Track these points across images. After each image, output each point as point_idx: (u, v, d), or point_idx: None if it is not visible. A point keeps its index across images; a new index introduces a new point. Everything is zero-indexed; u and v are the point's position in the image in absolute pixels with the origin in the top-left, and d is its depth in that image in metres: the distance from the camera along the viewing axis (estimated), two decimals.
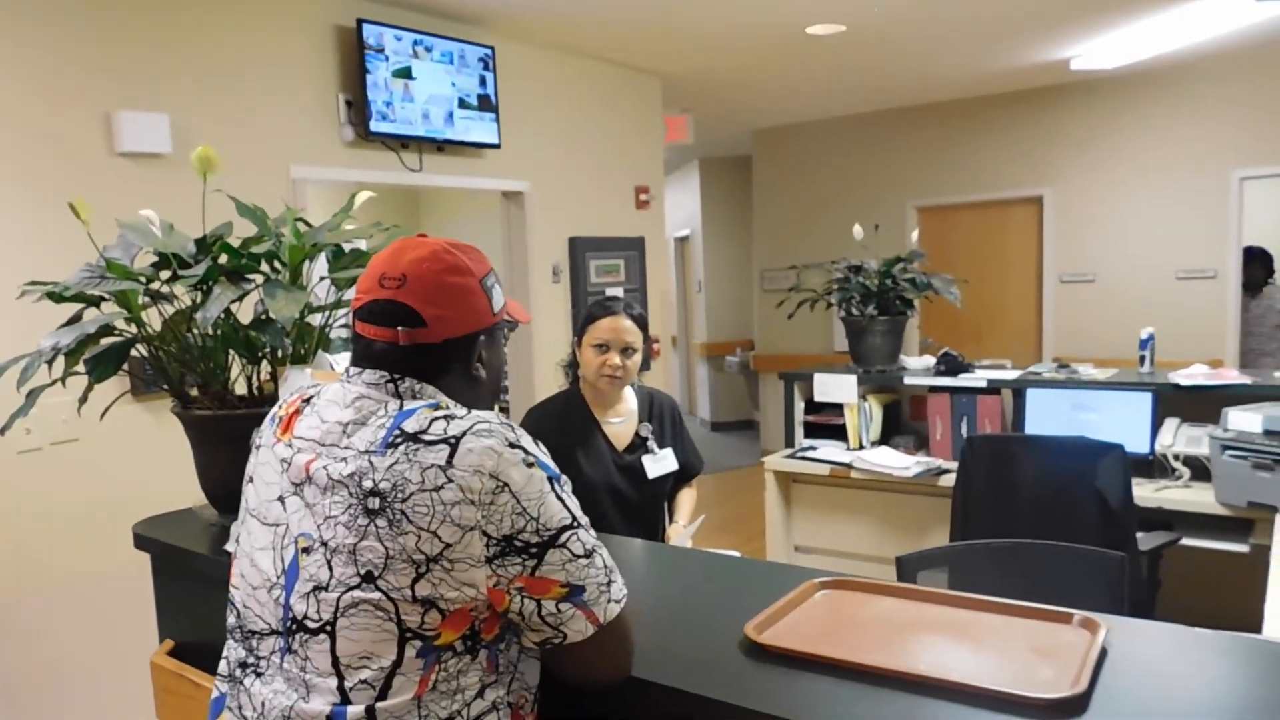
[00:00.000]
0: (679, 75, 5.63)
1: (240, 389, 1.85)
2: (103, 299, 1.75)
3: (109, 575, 2.89)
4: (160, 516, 1.97)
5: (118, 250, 1.80)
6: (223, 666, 1.20)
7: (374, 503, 1.02)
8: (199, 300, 1.71)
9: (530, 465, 1.05)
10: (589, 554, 1.07)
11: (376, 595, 1.00)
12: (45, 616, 2.86)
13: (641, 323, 2.49)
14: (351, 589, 1.01)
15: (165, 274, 1.77)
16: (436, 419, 1.06)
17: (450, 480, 1.00)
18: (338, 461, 1.06)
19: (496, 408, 1.21)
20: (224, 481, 1.83)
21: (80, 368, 1.67)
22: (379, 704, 1.01)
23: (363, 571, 1.01)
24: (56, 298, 1.67)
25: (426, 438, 1.03)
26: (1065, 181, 6.46)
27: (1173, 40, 5.19)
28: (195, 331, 1.78)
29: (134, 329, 1.75)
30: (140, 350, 1.80)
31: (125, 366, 1.77)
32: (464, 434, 1.04)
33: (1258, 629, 2.43)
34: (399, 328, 1.13)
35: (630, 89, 5.42)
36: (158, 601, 1.94)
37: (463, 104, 4.08)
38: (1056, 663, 1.09)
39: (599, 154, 5.18)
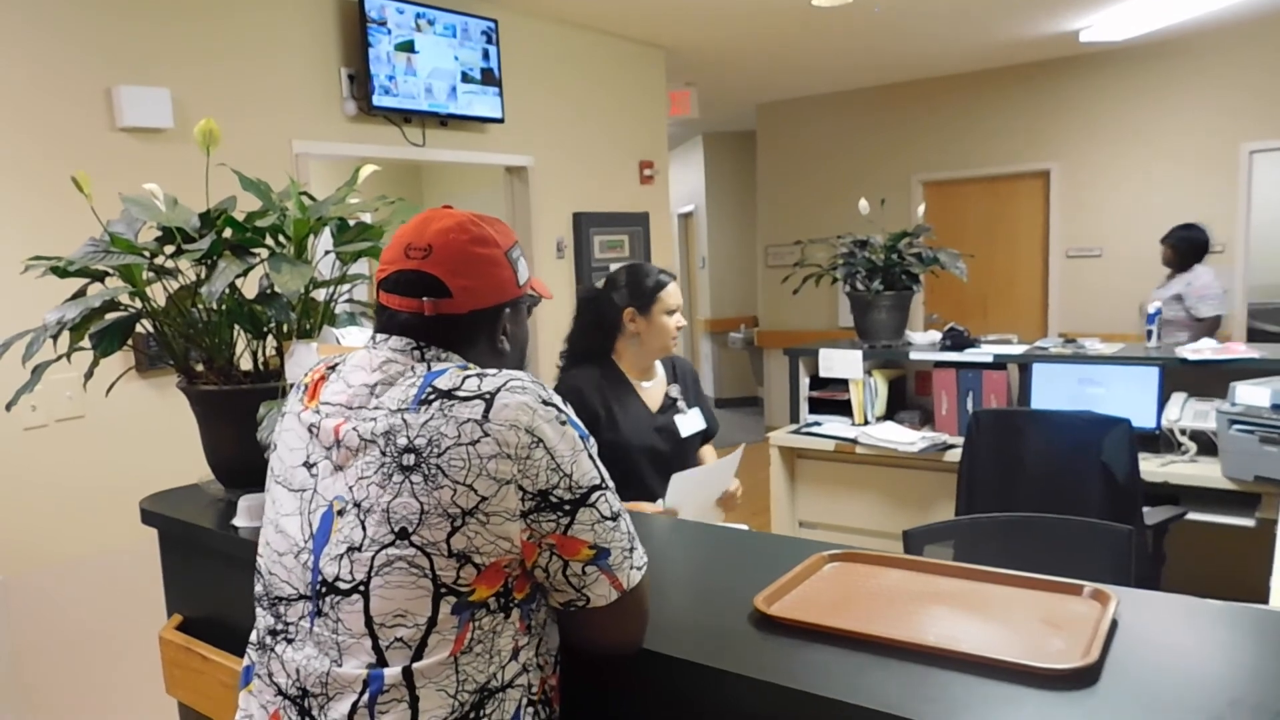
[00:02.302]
0: (683, 48, 5.57)
1: (246, 364, 1.85)
2: (107, 274, 1.75)
3: (116, 551, 2.90)
4: (167, 492, 1.97)
5: (121, 225, 1.79)
6: (253, 635, 1.20)
7: (409, 459, 1.02)
8: (203, 275, 1.71)
9: (563, 423, 1.06)
10: (615, 517, 1.07)
11: (411, 551, 1.00)
12: (53, 593, 2.88)
13: None
14: (385, 547, 1.01)
15: (169, 249, 1.77)
16: (469, 376, 1.07)
17: (487, 434, 1.01)
18: (368, 422, 1.07)
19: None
20: (230, 456, 1.84)
21: (85, 343, 1.67)
22: (415, 664, 1.01)
23: (396, 528, 1.01)
24: (61, 272, 1.66)
25: (461, 393, 1.04)
26: (1072, 156, 6.41)
27: (1182, 11, 5.12)
28: (200, 306, 1.78)
29: (138, 304, 1.74)
30: (145, 325, 1.79)
31: (130, 343, 1.76)
32: (499, 389, 1.04)
33: (1264, 602, 2.43)
34: (424, 298, 1.13)
35: (634, 62, 5.37)
36: (165, 576, 1.95)
37: (466, 78, 4.05)
38: (1067, 634, 1.08)
39: (603, 128, 5.14)
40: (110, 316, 1.70)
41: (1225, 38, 5.72)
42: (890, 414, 4.26)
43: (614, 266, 5.15)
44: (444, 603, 1.01)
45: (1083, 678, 0.97)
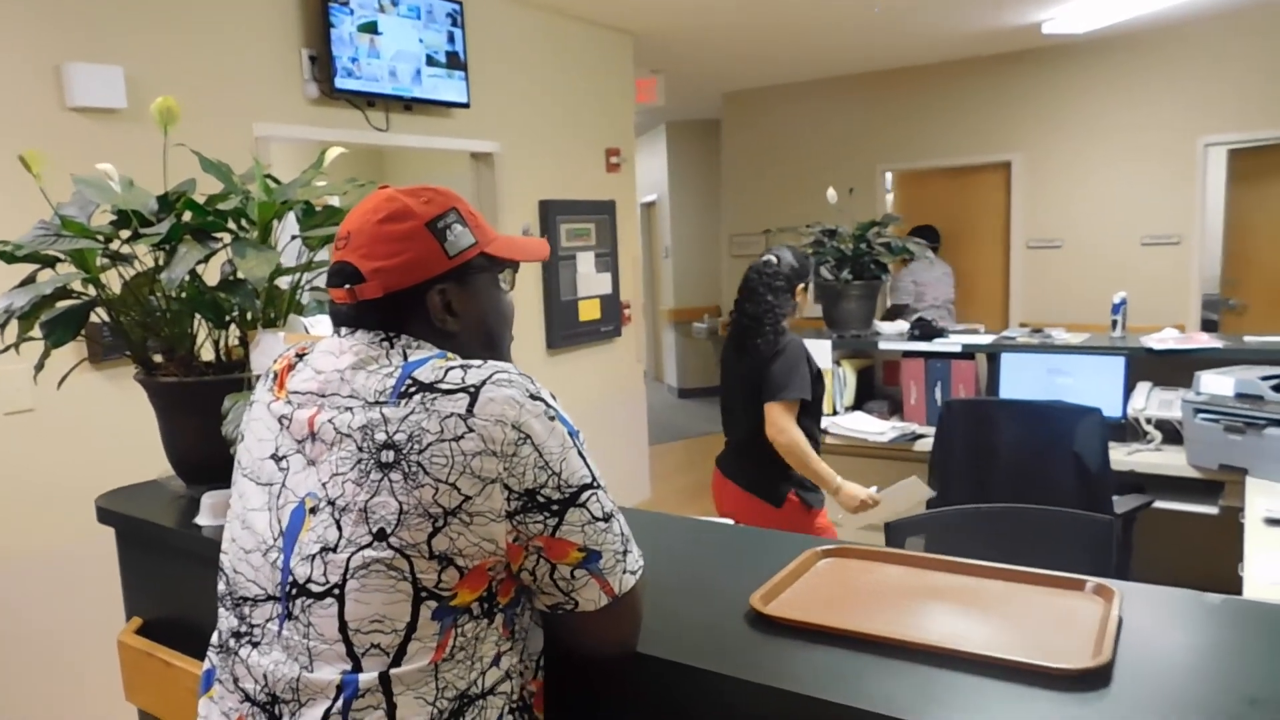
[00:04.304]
0: (650, 34, 5.51)
1: (207, 354, 1.76)
2: (58, 259, 1.66)
3: (71, 551, 2.78)
4: (125, 489, 1.88)
5: (73, 207, 1.70)
6: (214, 637, 1.13)
7: (388, 456, 0.96)
8: (162, 261, 1.62)
9: (552, 419, 1.00)
10: (607, 518, 1.02)
11: (389, 553, 0.94)
12: (3, 594, 2.75)
13: None
14: (362, 548, 0.95)
15: (125, 233, 1.68)
16: (452, 368, 1.00)
17: (471, 430, 0.95)
18: (343, 413, 1.00)
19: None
20: (191, 451, 1.75)
21: (36, 332, 1.58)
22: (393, 670, 0.95)
23: (374, 529, 0.95)
24: (8, 257, 1.57)
25: (443, 386, 0.98)
26: (1034, 147, 6.47)
27: (1143, 5, 5.17)
28: (159, 294, 1.69)
29: (92, 291, 1.66)
30: (100, 314, 1.70)
31: (83, 332, 1.67)
32: (484, 383, 0.98)
33: (1229, 588, 2.46)
34: (346, 286, 1.07)
35: (602, 48, 5.30)
36: (124, 577, 1.86)
37: (431, 61, 3.95)
38: (1073, 631, 1.06)
39: (570, 115, 5.06)
40: (62, 305, 1.61)
41: (1183, 32, 5.80)
42: (859, 404, 4.26)
43: (580, 255, 5.10)
44: (424, 607, 0.96)
45: (1097, 678, 0.95)
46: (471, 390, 0.98)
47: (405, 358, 1.04)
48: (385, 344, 1.06)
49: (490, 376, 0.99)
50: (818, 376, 2.93)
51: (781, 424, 2.78)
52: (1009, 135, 6.54)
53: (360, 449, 0.98)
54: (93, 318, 1.69)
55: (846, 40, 5.97)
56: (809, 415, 2.90)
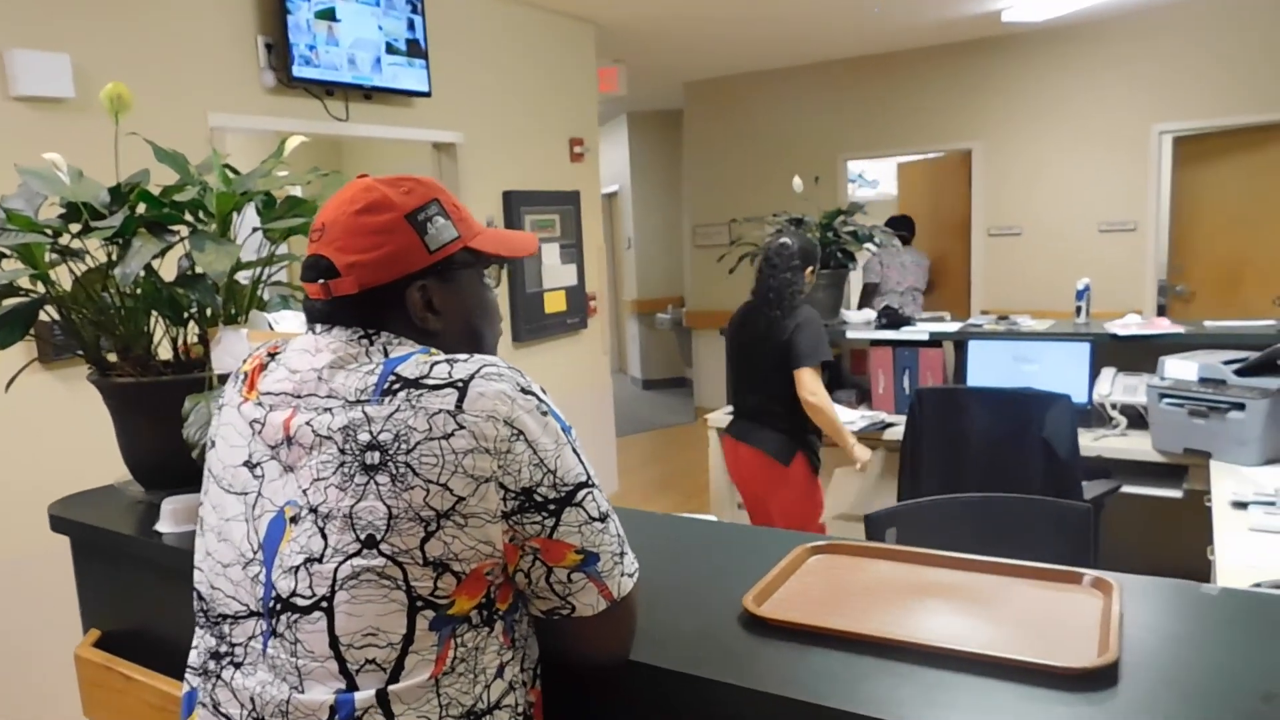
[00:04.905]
0: (613, 24, 5.45)
1: (165, 353, 1.69)
2: (3, 255, 1.57)
3: (23, 562, 2.67)
4: (79, 495, 1.79)
5: (19, 200, 1.61)
6: (193, 657, 1.06)
7: (373, 457, 0.90)
8: (115, 255, 1.54)
9: (544, 414, 0.95)
10: (604, 518, 0.98)
11: (381, 561, 0.89)
12: None
13: None
14: (351, 557, 0.90)
15: (75, 227, 1.59)
16: (438, 363, 0.95)
17: (462, 426, 0.90)
18: (322, 414, 0.95)
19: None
20: (150, 454, 1.68)
21: None
22: (391, 687, 0.90)
23: (363, 536, 0.89)
24: None
25: (430, 381, 0.93)
26: (993, 135, 6.51)
27: None
28: (112, 290, 1.61)
29: (41, 288, 1.57)
30: (50, 312, 1.62)
31: (33, 331, 1.59)
32: (472, 377, 0.93)
33: (1200, 572, 2.48)
34: (320, 281, 1.02)
35: (564, 36, 5.23)
36: (80, 589, 1.78)
37: (391, 49, 3.85)
38: (1074, 627, 1.04)
39: (533, 104, 4.99)
40: (9, 303, 1.52)
41: (1140, 21, 5.87)
42: (828, 393, 4.25)
43: (545, 247, 5.04)
44: (420, 617, 0.90)
45: (1105, 676, 0.92)
46: (460, 385, 0.92)
47: (386, 354, 0.99)
48: (364, 341, 1.00)
49: (479, 370, 0.94)
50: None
51: (813, 386, 3.15)
52: (969, 123, 6.58)
53: (343, 451, 0.92)
54: (42, 316, 1.61)
55: (808, 29, 5.96)
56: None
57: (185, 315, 1.67)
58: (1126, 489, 3.28)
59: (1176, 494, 3.28)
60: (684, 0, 5.07)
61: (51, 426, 2.77)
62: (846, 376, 4.41)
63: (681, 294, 8.79)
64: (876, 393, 4.10)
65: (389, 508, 0.89)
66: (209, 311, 1.64)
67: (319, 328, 1.04)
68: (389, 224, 1.02)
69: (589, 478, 0.97)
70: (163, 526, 1.55)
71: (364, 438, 0.92)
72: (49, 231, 1.56)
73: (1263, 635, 1.01)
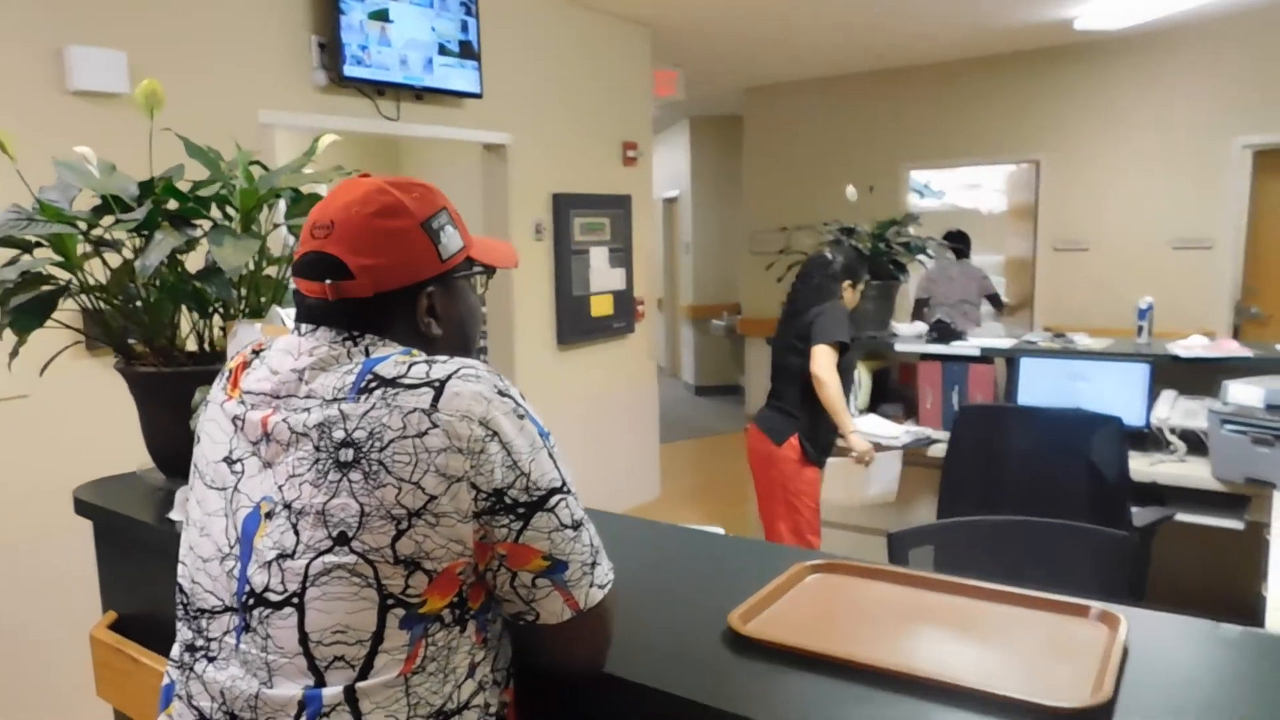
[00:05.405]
0: (670, 27, 5.43)
1: (193, 345, 1.71)
2: (38, 244, 1.61)
3: (57, 541, 2.75)
4: (103, 480, 1.83)
5: (55, 191, 1.65)
6: (174, 650, 1.07)
7: (346, 455, 0.90)
8: (139, 247, 1.57)
9: (521, 417, 0.94)
10: (576, 526, 0.96)
11: (352, 559, 0.89)
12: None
13: None
14: (323, 553, 0.90)
15: (109, 219, 1.63)
16: (416, 363, 0.95)
17: (436, 425, 0.90)
18: (299, 413, 0.95)
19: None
20: (170, 443, 1.70)
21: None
22: (359, 684, 0.89)
23: (335, 533, 0.89)
24: None
25: (406, 381, 0.93)
26: (1062, 146, 6.32)
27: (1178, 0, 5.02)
28: (138, 282, 1.64)
29: (71, 278, 1.61)
30: (84, 301, 1.65)
31: (80, 320, 1.63)
32: (449, 377, 0.93)
33: (1252, 609, 2.35)
34: (326, 280, 1.00)
35: (619, 40, 5.22)
36: (100, 571, 1.82)
37: (443, 50, 3.89)
38: (1073, 663, 0.98)
39: (585, 107, 4.99)
40: (33, 292, 1.55)
41: (1221, 29, 5.63)
42: (873, 406, 4.16)
43: (594, 250, 5.04)
44: (391, 615, 0.90)
45: (1095, 718, 0.87)
46: (436, 385, 0.92)
47: (368, 355, 0.99)
48: (348, 343, 1.00)
49: (456, 371, 0.94)
50: (852, 342, 3.34)
51: (823, 361, 3.20)
52: (1039, 134, 6.40)
53: (318, 448, 0.92)
54: (83, 305, 1.65)
55: (871, 35, 5.86)
56: (838, 369, 3.29)
57: (210, 308, 1.70)
58: (1182, 517, 3.13)
59: (1236, 525, 3.12)
60: (742, 5, 5.02)
61: (95, 411, 2.84)
62: (894, 390, 4.31)
63: (737, 300, 8.72)
64: (924, 408, 4.00)
65: (361, 505, 0.89)
66: (230, 306, 1.66)
67: (304, 328, 1.03)
68: (405, 230, 1.02)
69: (564, 484, 0.96)
70: (175, 514, 1.57)
71: (339, 435, 0.92)
72: (81, 223, 1.59)
73: (1271, 678, 0.94)
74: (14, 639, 2.80)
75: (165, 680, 1.08)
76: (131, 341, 1.72)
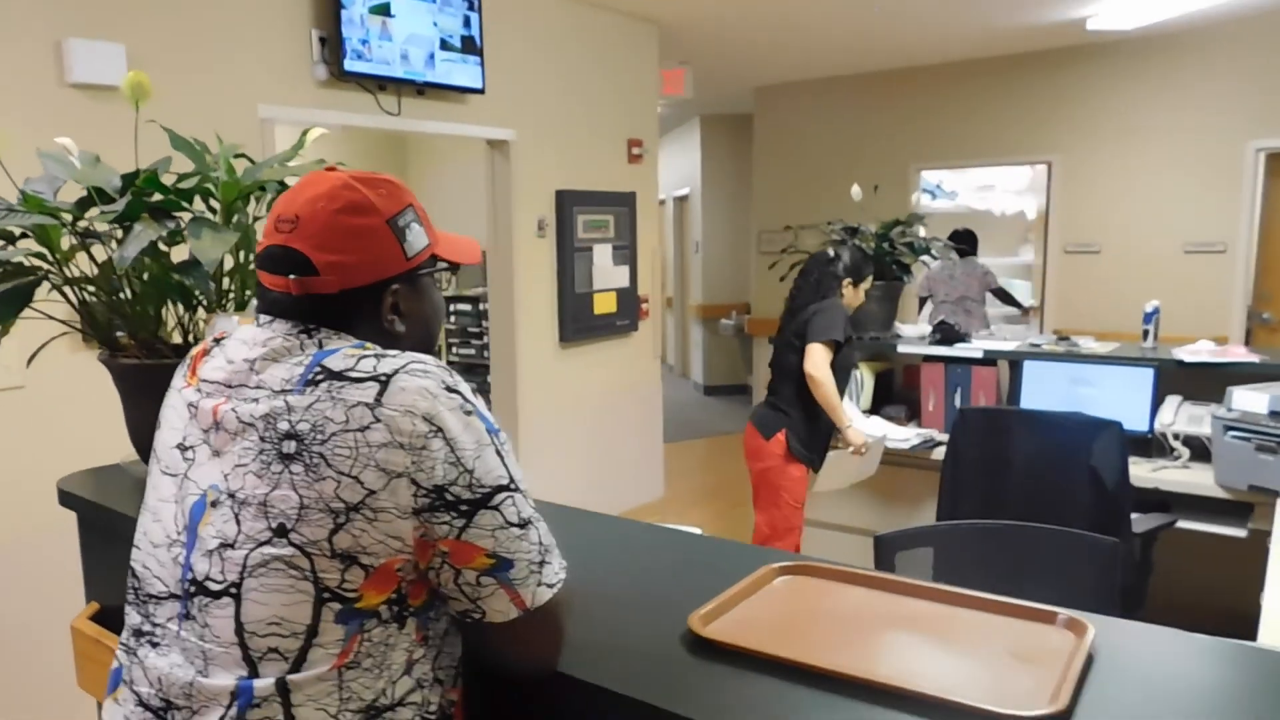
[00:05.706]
0: (677, 25, 5.40)
1: (178, 338, 1.71)
2: (22, 235, 1.61)
3: (47, 534, 2.76)
4: (88, 471, 1.84)
5: (42, 183, 1.66)
6: (124, 634, 1.08)
7: (289, 446, 0.90)
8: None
9: (468, 413, 0.94)
10: (524, 524, 0.95)
11: (290, 551, 0.89)
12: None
13: None
14: (261, 544, 0.90)
15: (94, 211, 1.63)
16: (365, 357, 0.95)
17: (378, 420, 0.89)
18: (248, 403, 0.95)
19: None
20: (150, 435, 1.70)
21: None
22: (291, 676, 0.89)
23: (274, 524, 0.90)
24: None
25: (353, 375, 0.92)
26: (1074, 148, 6.26)
27: (1195, 1, 4.96)
28: (120, 274, 1.64)
29: (51, 268, 1.61)
30: (69, 293, 1.66)
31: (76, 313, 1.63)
32: (396, 372, 0.92)
33: (1252, 618, 2.32)
34: (291, 275, 1.00)
35: (625, 36, 5.20)
36: (84, 562, 1.83)
37: (445, 45, 3.89)
38: (1038, 670, 0.96)
39: (590, 104, 4.98)
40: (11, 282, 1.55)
41: (1236, 31, 5.56)
42: (876, 408, 4.14)
43: (597, 248, 5.03)
44: (326, 609, 0.90)
45: None
46: (383, 379, 0.92)
47: (320, 347, 0.98)
48: (303, 335, 1.00)
49: (404, 366, 0.93)
50: (849, 341, 3.37)
51: (818, 359, 3.22)
52: (1050, 136, 6.34)
53: (263, 439, 0.92)
54: (69, 297, 1.65)
55: (881, 35, 5.82)
56: (834, 367, 3.30)
57: (194, 301, 1.69)
58: (1184, 524, 3.09)
59: (1240, 533, 3.08)
60: (752, 3, 5.00)
61: (92, 401, 2.85)
62: (897, 391, 4.28)
63: (747, 300, 8.69)
64: (926, 410, 3.97)
65: (301, 497, 0.89)
66: (206, 297, 1.66)
67: (263, 319, 1.03)
68: (371, 228, 1.02)
69: (511, 482, 0.95)
70: None
71: (283, 426, 0.92)
72: (66, 215, 1.59)
73: (1242, 690, 0.92)
74: (1, 632, 2.81)
75: (114, 665, 1.09)
76: (119, 334, 1.72)
